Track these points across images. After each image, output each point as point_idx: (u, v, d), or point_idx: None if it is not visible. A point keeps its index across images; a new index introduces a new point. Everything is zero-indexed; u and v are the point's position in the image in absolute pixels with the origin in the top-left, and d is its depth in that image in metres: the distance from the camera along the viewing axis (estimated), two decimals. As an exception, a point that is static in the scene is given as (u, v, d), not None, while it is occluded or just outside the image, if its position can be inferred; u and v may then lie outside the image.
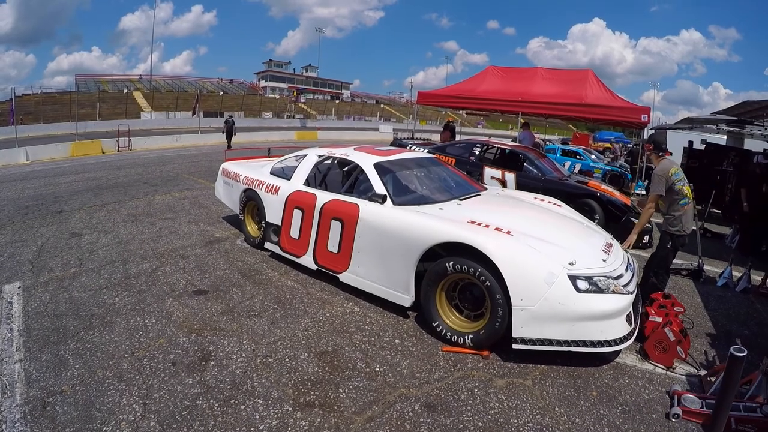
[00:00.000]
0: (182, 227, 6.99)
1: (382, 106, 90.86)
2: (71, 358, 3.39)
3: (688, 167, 12.67)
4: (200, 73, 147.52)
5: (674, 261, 6.48)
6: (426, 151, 9.41)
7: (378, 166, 4.77)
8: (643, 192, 10.54)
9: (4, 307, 4.29)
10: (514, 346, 3.38)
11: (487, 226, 3.75)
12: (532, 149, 9.67)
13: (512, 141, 15.68)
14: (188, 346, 3.61)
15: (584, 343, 3.29)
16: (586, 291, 3.30)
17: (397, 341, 3.80)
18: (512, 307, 3.31)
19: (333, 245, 4.62)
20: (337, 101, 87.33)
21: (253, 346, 3.64)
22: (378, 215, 4.24)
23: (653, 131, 17.49)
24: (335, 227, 4.59)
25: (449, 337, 3.71)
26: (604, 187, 8.22)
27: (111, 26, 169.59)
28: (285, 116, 63.27)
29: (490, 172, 8.43)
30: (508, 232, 3.64)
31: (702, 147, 13.27)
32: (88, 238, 6.40)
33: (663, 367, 3.60)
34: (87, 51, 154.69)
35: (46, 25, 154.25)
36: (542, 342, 3.31)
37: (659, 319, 3.79)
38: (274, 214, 5.42)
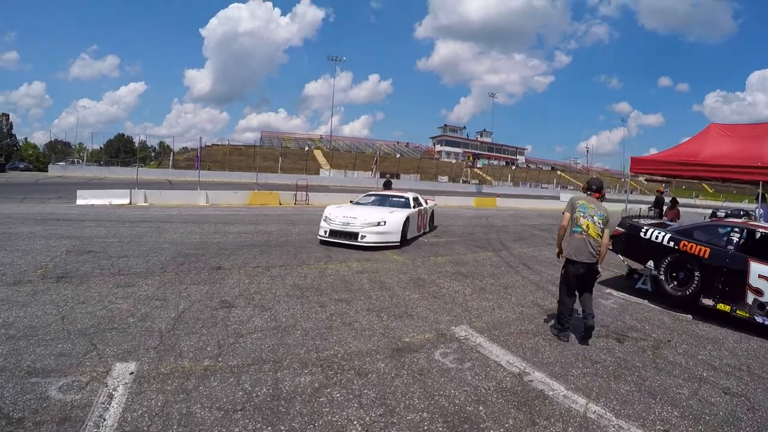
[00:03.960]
0: (360, 318, 5.46)
1: (558, 173, 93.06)
2: None
3: None
4: (377, 136, 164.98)
5: None
6: (668, 236, 7.00)
7: (367, 195, 13.45)
8: None
9: (100, 401, 3.18)
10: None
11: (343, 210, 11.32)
12: None
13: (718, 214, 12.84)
14: None
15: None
16: (324, 220, 10.77)
17: None
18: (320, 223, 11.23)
19: None
20: (513, 167, 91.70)
21: None
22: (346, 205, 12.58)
23: None
24: None
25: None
26: None
27: (296, 92, 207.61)
28: (461, 181, 67.12)
29: (758, 268, 6.09)
30: (336, 208, 11.43)
31: None
32: (240, 313, 5.28)
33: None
34: (274, 112, 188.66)
35: (239, 89, 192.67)
36: (326, 232, 10.67)
37: None
38: None
